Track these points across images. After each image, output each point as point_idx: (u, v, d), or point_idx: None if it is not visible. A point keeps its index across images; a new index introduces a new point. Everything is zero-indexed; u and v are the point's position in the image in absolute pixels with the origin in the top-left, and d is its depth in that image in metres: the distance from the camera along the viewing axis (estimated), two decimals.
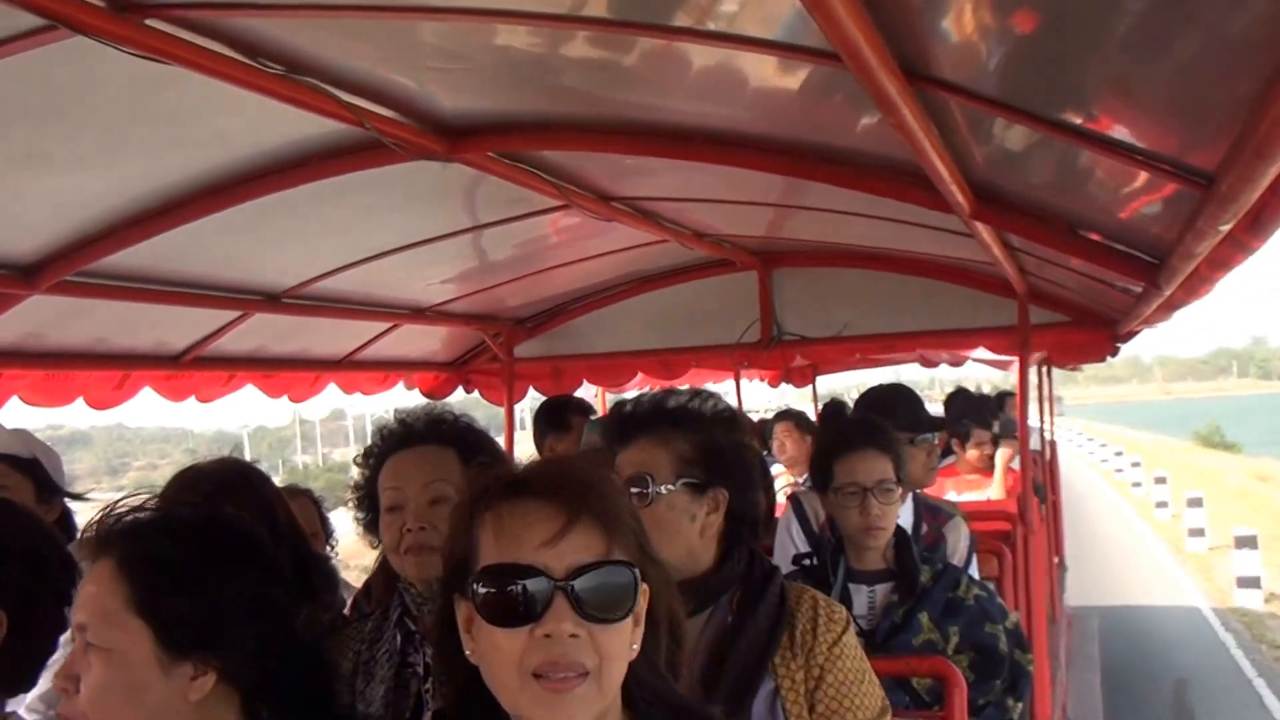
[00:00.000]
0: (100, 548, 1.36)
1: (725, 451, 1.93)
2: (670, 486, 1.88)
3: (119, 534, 1.37)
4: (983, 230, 2.80)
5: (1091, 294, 3.90)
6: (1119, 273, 2.71)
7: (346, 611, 2.83)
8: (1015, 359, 5.44)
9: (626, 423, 1.96)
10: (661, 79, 2.41)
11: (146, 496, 1.46)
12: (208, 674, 1.35)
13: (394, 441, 2.05)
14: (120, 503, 1.43)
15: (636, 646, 1.24)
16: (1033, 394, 6.42)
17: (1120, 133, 1.90)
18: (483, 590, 1.18)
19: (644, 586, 1.24)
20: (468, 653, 1.22)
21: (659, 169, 3.20)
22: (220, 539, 1.43)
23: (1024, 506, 4.35)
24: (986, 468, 5.67)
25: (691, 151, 2.75)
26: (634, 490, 1.84)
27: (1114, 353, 4.54)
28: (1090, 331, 4.51)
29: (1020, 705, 2.62)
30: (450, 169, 2.85)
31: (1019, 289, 4.15)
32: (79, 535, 1.43)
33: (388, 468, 2.03)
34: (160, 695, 1.33)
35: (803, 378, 8.32)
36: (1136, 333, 4.29)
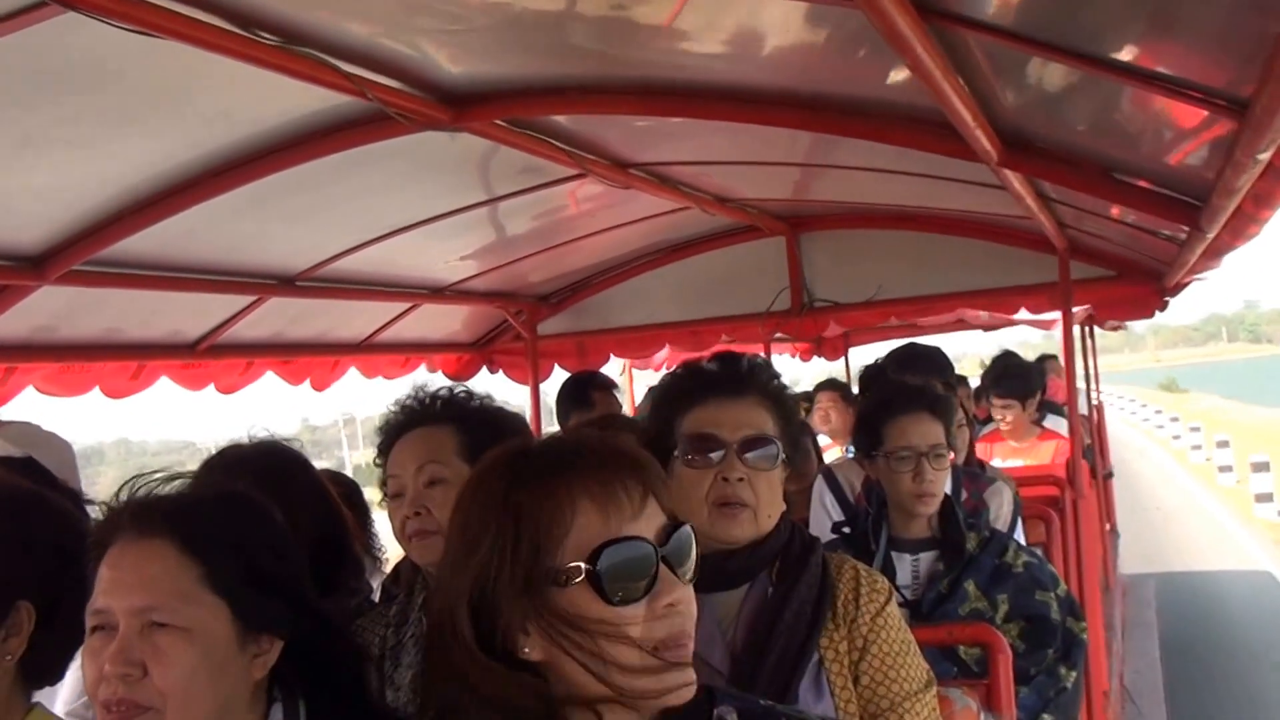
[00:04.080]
0: (147, 528, 1.32)
1: (799, 422, 1.89)
2: (782, 453, 1.83)
3: (171, 512, 1.34)
4: (1014, 180, 2.68)
5: (1135, 245, 3.76)
6: (1160, 217, 2.58)
7: (375, 598, 2.80)
8: (1056, 319, 5.29)
9: (736, 376, 1.87)
10: (675, 35, 2.32)
11: (167, 477, 1.43)
12: (271, 651, 1.36)
13: (394, 429, 2.03)
14: (137, 483, 1.40)
15: None
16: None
17: (1151, 63, 1.81)
18: (604, 570, 1.10)
19: None
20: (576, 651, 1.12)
21: (677, 132, 3.10)
22: (270, 516, 1.44)
23: (1073, 471, 4.23)
24: (1030, 434, 5.51)
25: (710, 110, 2.65)
26: (761, 450, 1.78)
27: (1162, 307, 4.40)
28: (1136, 285, 4.38)
29: (1075, 674, 2.51)
30: (460, 140, 2.77)
31: (1059, 244, 4.02)
32: (102, 516, 1.40)
33: (390, 456, 2.02)
34: (233, 675, 1.33)
35: (835, 350, 8.16)
36: (1185, 285, 4.14)
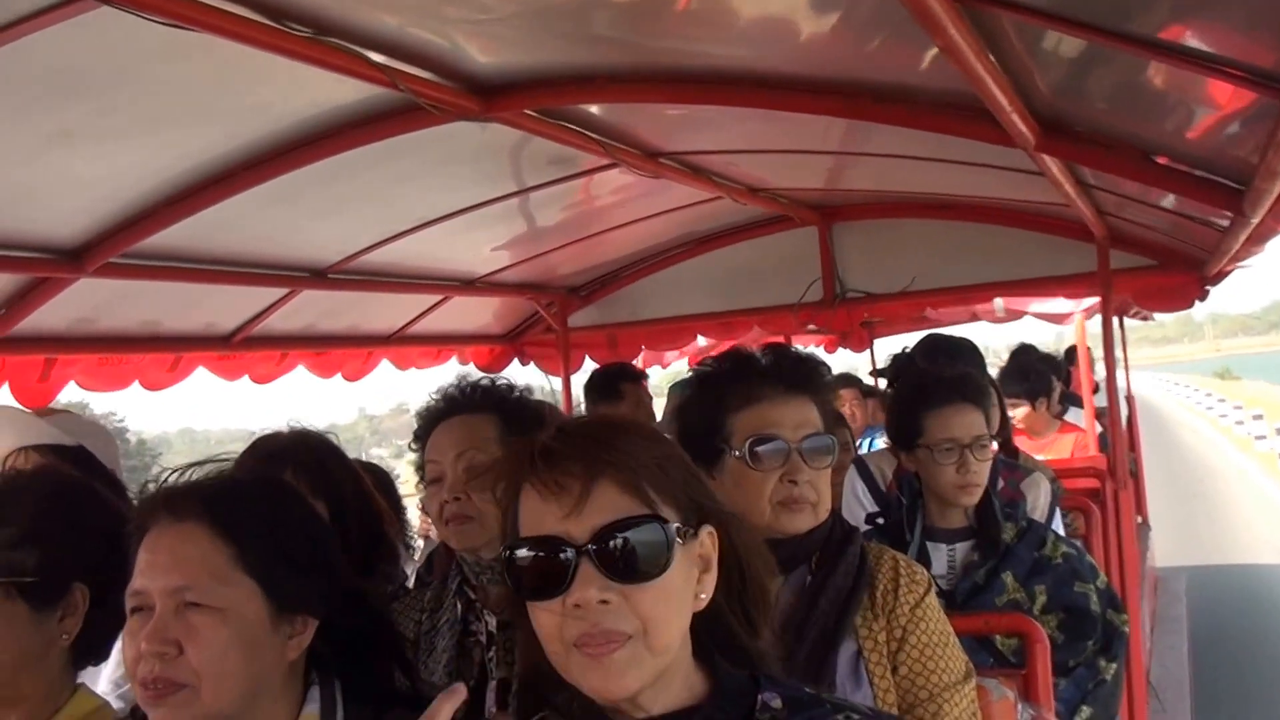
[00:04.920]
0: (181, 511, 1.35)
1: (836, 412, 1.90)
2: (837, 447, 1.85)
3: (205, 497, 1.36)
4: (1051, 165, 2.63)
5: (1176, 232, 3.69)
6: (1201, 201, 2.52)
7: (409, 584, 2.82)
8: (1070, 312, 5.21)
9: (792, 372, 1.86)
10: (705, 22, 2.31)
11: (206, 461, 1.46)
12: (305, 632, 1.37)
13: (434, 416, 2.04)
14: (176, 468, 1.43)
15: (705, 596, 1.18)
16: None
17: (1192, 41, 1.75)
18: (513, 566, 1.15)
19: (707, 532, 1.19)
20: None
21: (707, 121, 3.08)
22: (301, 500, 1.47)
23: (1113, 461, 4.16)
24: (1050, 428, 5.43)
25: (741, 97, 2.63)
26: (822, 449, 1.80)
27: (1203, 296, 4.30)
28: (1177, 274, 4.28)
29: (1115, 667, 2.47)
30: (490, 130, 2.77)
31: (1097, 232, 3.95)
32: (140, 498, 1.43)
33: (429, 442, 2.03)
34: (267, 655, 1.34)
35: (860, 342, 8.07)
36: (1227, 273, 4.05)
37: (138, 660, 1.30)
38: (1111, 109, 2.31)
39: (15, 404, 3.22)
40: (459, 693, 1.17)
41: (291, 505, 1.44)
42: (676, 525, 1.15)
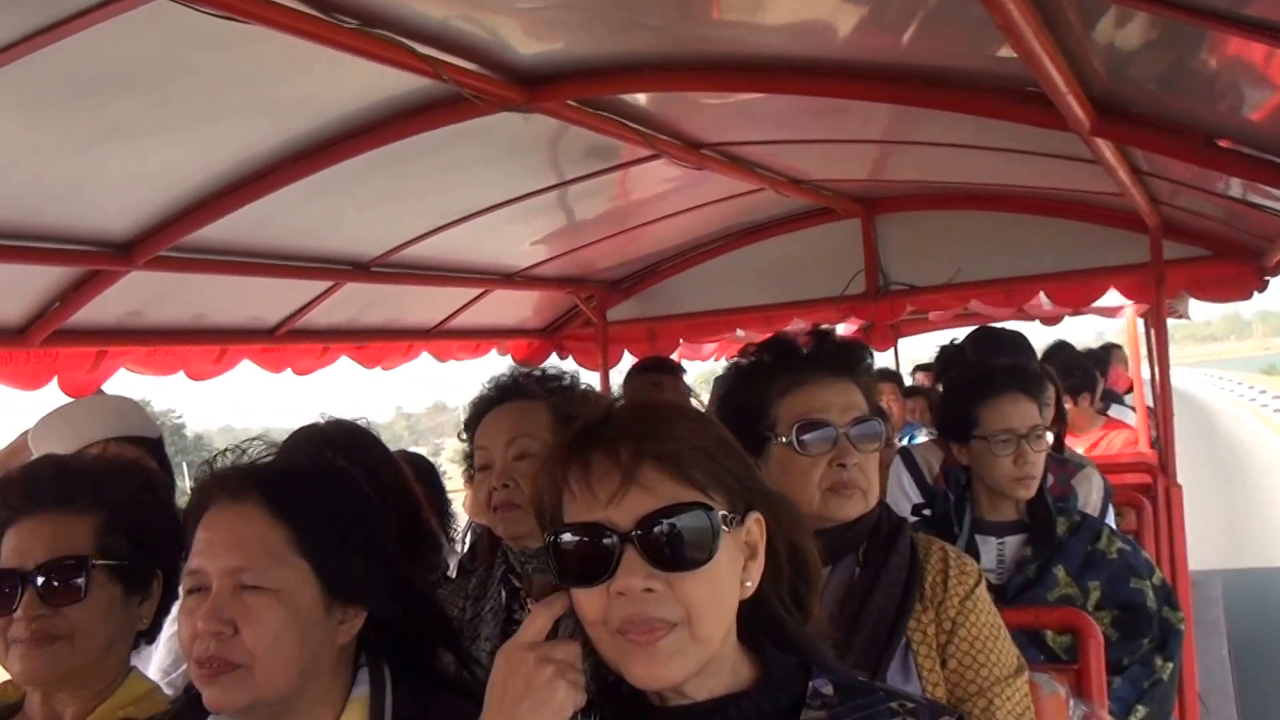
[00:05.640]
0: (240, 491, 1.36)
1: (877, 399, 1.87)
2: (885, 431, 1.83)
3: (263, 478, 1.38)
4: (1106, 151, 2.57)
5: (1235, 221, 3.60)
6: (1263, 182, 2.44)
7: (451, 574, 2.83)
8: (1124, 305, 5.11)
9: (837, 355, 1.84)
10: (748, 7, 2.29)
11: (262, 447, 1.47)
12: (356, 618, 1.38)
13: (486, 403, 2.04)
14: (231, 451, 1.45)
15: (751, 584, 1.16)
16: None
17: (1256, 10, 1.68)
18: (557, 552, 1.14)
19: (755, 519, 1.16)
20: None
21: (750, 111, 3.05)
22: (358, 487, 1.47)
23: (1165, 457, 4.07)
24: (1093, 425, 5.34)
25: (786, 84, 2.60)
26: (870, 432, 1.78)
27: (1262, 287, 4.18)
28: (1234, 264, 4.18)
29: (1170, 665, 2.42)
30: (533, 122, 2.77)
31: (1151, 221, 3.87)
32: (198, 478, 1.44)
33: (479, 429, 2.03)
34: (319, 638, 1.35)
35: (885, 340, 7.95)
36: None
37: (193, 639, 1.31)
38: (1170, 89, 2.25)
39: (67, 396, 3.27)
40: (559, 600, 1.14)
41: (348, 491, 1.45)
42: (723, 512, 1.13)
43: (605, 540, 1.10)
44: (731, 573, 1.14)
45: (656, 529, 1.09)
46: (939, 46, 2.33)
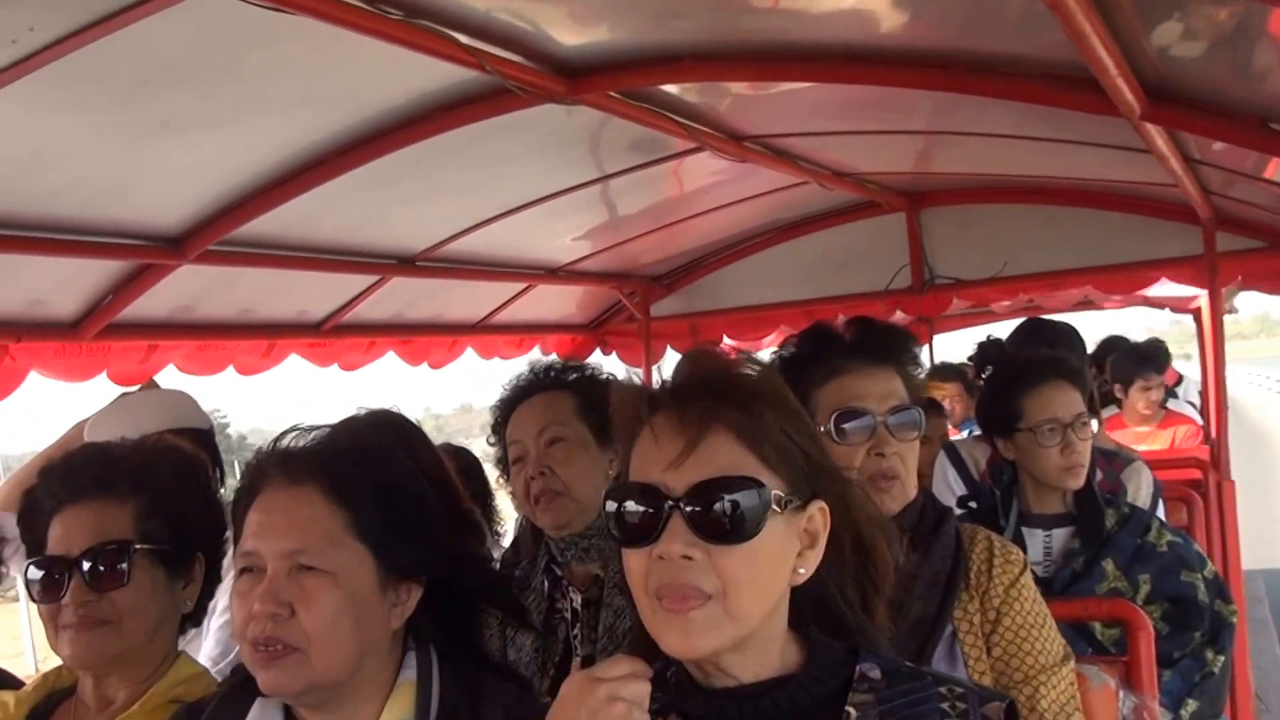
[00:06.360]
0: (298, 474, 1.37)
1: (919, 385, 1.87)
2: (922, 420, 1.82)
3: (321, 461, 1.38)
4: (1156, 137, 2.52)
5: None
6: None
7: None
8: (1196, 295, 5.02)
9: (876, 342, 1.84)
10: None
11: (315, 431, 1.47)
12: (409, 600, 1.39)
13: (512, 400, 2.07)
14: (290, 435, 1.45)
15: (805, 571, 1.15)
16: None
17: None
18: (615, 510, 1.14)
19: (819, 507, 1.15)
20: None
21: (793, 102, 3.04)
22: (410, 468, 1.48)
23: (1217, 451, 4.00)
24: (1156, 417, 5.25)
25: (830, 73, 2.58)
26: (908, 421, 1.77)
27: None
28: None
29: (1222, 659, 2.37)
30: (575, 114, 2.77)
31: (1203, 213, 3.79)
32: (251, 461, 1.46)
33: (509, 424, 2.06)
34: (375, 621, 1.35)
35: (920, 338, 7.84)
36: None
37: (248, 621, 1.31)
38: (1223, 72, 2.20)
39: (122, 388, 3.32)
40: (645, 669, 1.13)
41: (403, 474, 1.46)
42: (779, 494, 1.12)
43: (658, 504, 1.11)
44: (779, 555, 1.13)
45: (704, 498, 1.09)
46: (985, 31, 2.30)
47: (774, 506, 1.11)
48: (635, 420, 1.17)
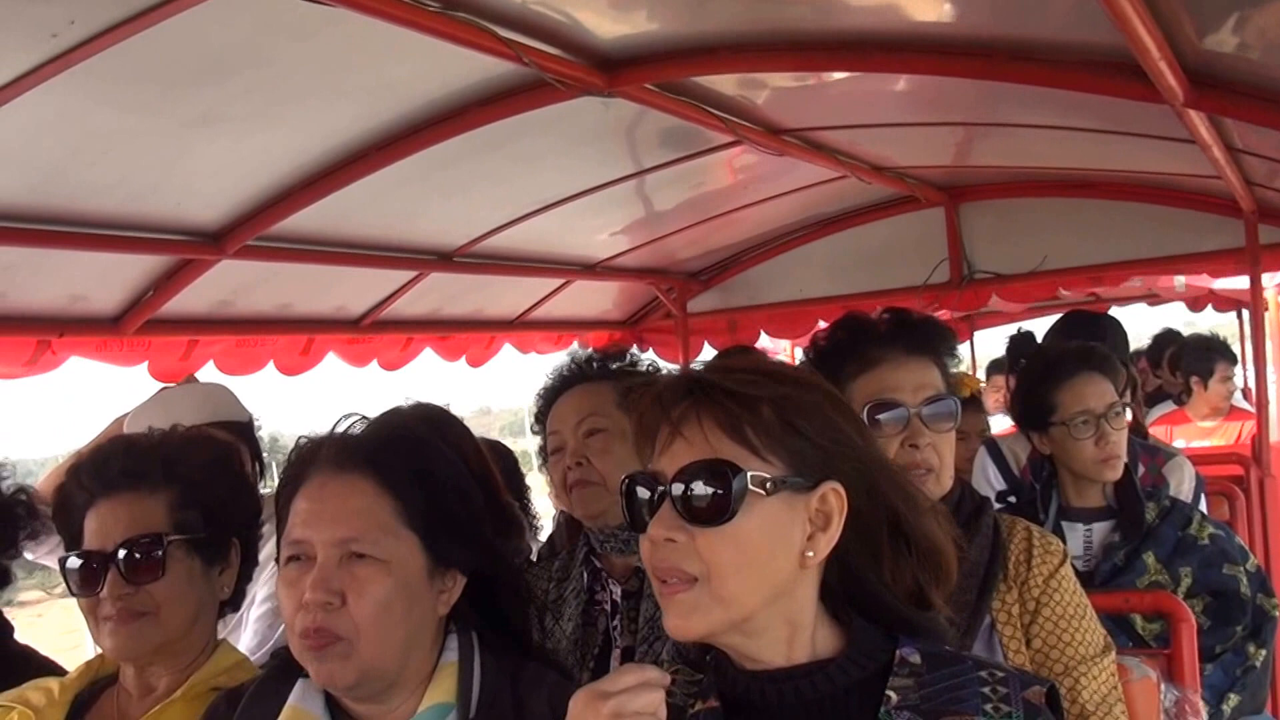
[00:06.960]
0: (346, 463, 1.37)
1: (955, 377, 1.87)
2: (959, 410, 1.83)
3: (370, 449, 1.39)
4: (1199, 125, 2.47)
5: None
6: None
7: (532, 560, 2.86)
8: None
9: (911, 333, 1.84)
10: None
11: (360, 420, 1.48)
12: (455, 587, 1.40)
13: (554, 392, 2.09)
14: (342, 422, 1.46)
15: (814, 555, 1.15)
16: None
17: None
18: (626, 495, 1.20)
19: (832, 488, 1.14)
20: None
21: (831, 94, 3.01)
22: (455, 457, 1.49)
23: (1259, 448, 3.92)
24: (1224, 410, 5.16)
25: (868, 62, 2.55)
26: (943, 411, 1.77)
27: None
28: None
29: (1264, 653, 2.34)
30: (613, 108, 2.77)
31: (1245, 205, 3.72)
32: (295, 449, 1.47)
33: (550, 416, 2.07)
34: (423, 609, 1.37)
35: (960, 334, 7.78)
36: None
37: (298, 610, 1.31)
38: (1267, 56, 2.16)
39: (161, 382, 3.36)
40: (659, 677, 1.12)
41: (448, 465, 1.47)
42: (763, 475, 1.11)
43: (651, 489, 1.15)
44: (774, 538, 1.12)
45: (681, 480, 1.12)
46: (1026, 17, 2.27)
47: (755, 488, 1.11)
48: (643, 418, 1.21)
